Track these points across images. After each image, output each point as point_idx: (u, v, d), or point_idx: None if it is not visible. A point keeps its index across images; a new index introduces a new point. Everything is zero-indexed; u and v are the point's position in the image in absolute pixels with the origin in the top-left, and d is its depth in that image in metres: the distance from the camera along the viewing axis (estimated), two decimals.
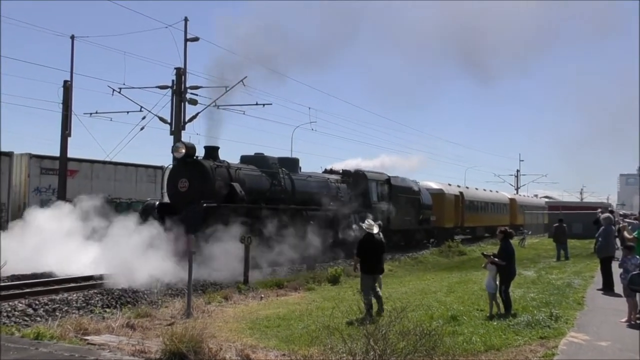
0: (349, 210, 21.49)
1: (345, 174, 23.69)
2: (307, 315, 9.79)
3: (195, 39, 25.13)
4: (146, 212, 15.12)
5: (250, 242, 14.21)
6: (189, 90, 24.81)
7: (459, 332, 8.29)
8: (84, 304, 9.99)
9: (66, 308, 9.65)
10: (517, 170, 74.86)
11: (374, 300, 9.69)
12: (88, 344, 7.72)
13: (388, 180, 25.59)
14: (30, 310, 9.25)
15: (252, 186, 16.99)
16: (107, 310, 9.97)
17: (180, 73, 24.72)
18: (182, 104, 24.69)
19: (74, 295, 10.23)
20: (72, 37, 24.91)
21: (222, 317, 9.87)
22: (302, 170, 20.82)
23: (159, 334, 8.24)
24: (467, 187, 39.69)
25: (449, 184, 36.49)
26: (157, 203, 15.87)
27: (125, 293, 11.09)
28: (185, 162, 15.71)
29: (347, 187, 22.66)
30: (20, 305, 9.31)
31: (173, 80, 24.63)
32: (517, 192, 66.47)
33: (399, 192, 26.29)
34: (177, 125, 24.35)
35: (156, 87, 24.98)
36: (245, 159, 18.45)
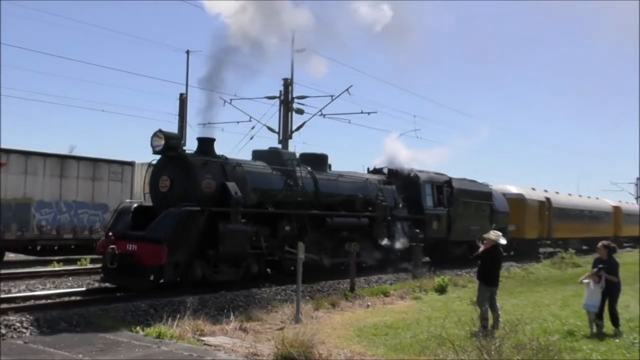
0: (394, 216, 18.32)
1: (393, 174, 20.01)
2: (415, 324, 9.70)
3: (302, 50, 25.67)
4: (120, 216, 12.70)
5: (357, 249, 14.24)
6: (295, 100, 25.43)
7: (577, 348, 7.91)
8: (199, 307, 10.44)
9: (184, 309, 10.13)
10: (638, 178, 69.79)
11: (489, 313, 9.41)
12: (204, 344, 8.11)
13: (449, 182, 21.42)
14: (152, 311, 9.83)
15: (256, 186, 13.85)
16: (221, 313, 10.37)
17: (288, 83, 25.39)
18: (290, 113, 25.33)
19: (191, 298, 10.74)
20: (187, 52, 26.31)
21: (330, 324, 9.99)
22: (332, 169, 17.59)
23: (270, 337, 8.51)
24: (557, 192, 34.52)
25: (533, 188, 31.58)
26: (135, 206, 13.02)
27: (236, 297, 11.50)
28: (170, 157, 12.82)
29: (396, 189, 19.20)
30: (143, 305, 9.91)
31: (281, 91, 25.35)
32: (638, 201, 61.97)
33: (463, 196, 22.01)
34: (285, 135, 25.01)
35: (265, 97, 25.78)
36: (256, 155, 15.59)
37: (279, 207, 14.31)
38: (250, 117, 25.41)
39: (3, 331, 7.89)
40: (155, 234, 11.34)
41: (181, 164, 12.72)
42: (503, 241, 9.72)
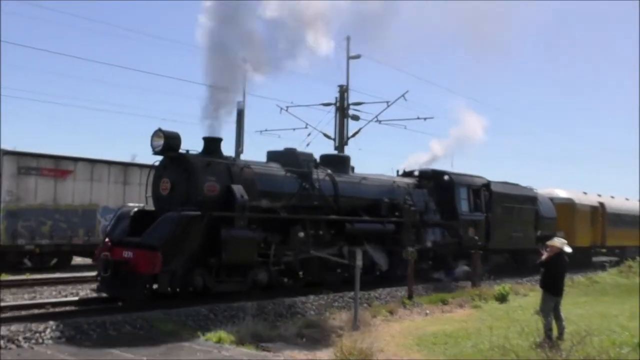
0: (424, 222, 17.06)
1: (424, 176, 18.68)
2: (476, 334, 9.50)
3: (357, 57, 25.74)
4: (119, 221, 11.88)
5: (415, 256, 14.07)
6: (351, 107, 25.46)
7: None
8: (258, 312, 10.56)
9: (242, 315, 10.26)
10: None
11: (554, 324, 9.12)
12: (263, 350, 8.18)
13: (487, 186, 19.89)
14: (211, 316, 9.99)
15: (266, 189, 12.85)
16: (279, 319, 10.44)
17: (343, 90, 25.46)
18: (345, 120, 25.37)
19: (249, 304, 10.86)
20: (244, 60, 26.66)
21: (389, 332, 9.91)
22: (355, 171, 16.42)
23: (329, 345, 8.51)
24: (612, 197, 31.85)
25: (584, 192, 29.35)
26: (135, 210, 12.09)
27: (294, 303, 11.55)
28: (171, 158, 12.03)
29: (428, 192, 17.95)
30: (203, 310, 10.09)
31: (336, 97, 25.43)
32: None
33: (503, 200, 20.49)
34: (341, 141, 25.06)
35: (320, 104, 25.91)
36: (271, 156, 14.52)
37: (293, 212, 13.32)
38: (307, 124, 25.58)
39: (72, 333, 8.17)
40: (149, 240, 10.61)
41: (182, 166, 11.87)
42: (568, 249, 9.41)
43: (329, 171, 14.76)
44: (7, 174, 17.76)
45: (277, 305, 11.21)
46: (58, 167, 18.80)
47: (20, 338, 7.70)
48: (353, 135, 25.55)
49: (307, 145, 26.02)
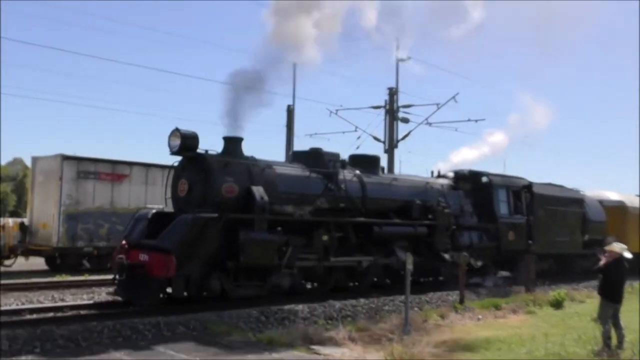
0: (459, 225, 16.29)
1: (460, 177, 17.90)
2: (530, 340, 9.28)
3: (407, 59, 25.58)
4: (137, 223, 11.58)
5: (468, 261, 13.84)
6: (401, 109, 25.33)
7: None
8: (308, 315, 10.61)
9: (293, 318, 10.34)
10: None
11: (613, 332, 8.82)
12: (314, 353, 8.21)
13: (528, 187, 18.98)
14: (262, 318, 10.10)
15: (289, 190, 12.43)
16: (329, 322, 10.45)
17: (393, 92, 25.37)
18: (395, 122, 25.25)
19: (300, 307, 10.92)
20: (294, 65, 26.90)
21: (440, 336, 9.77)
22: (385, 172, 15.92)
23: (379, 348, 8.47)
24: None
25: (638, 195, 27.55)
26: (152, 213, 11.76)
27: (345, 306, 11.55)
28: (190, 158, 11.75)
29: (464, 194, 17.27)
30: (255, 312, 10.21)
31: (386, 100, 25.36)
32: None
33: (546, 203, 19.53)
34: (390, 144, 24.96)
35: (370, 107, 25.89)
36: (296, 156, 14.12)
37: (317, 214, 12.85)
38: (356, 127, 25.57)
39: (129, 333, 8.39)
40: (164, 243, 10.39)
41: (199, 166, 11.55)
42: (628, 254, 9.08)
43: (357, 172, 14.25)
44: (67, 178, 18.43)
45: (328, 308, 11.23)
46: (114, 171, 19.40)
47: (79, 337, 7.95)
48: (403, 138, 25.46)
49: (357, 148, 26.02)
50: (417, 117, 25.43)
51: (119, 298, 11.08)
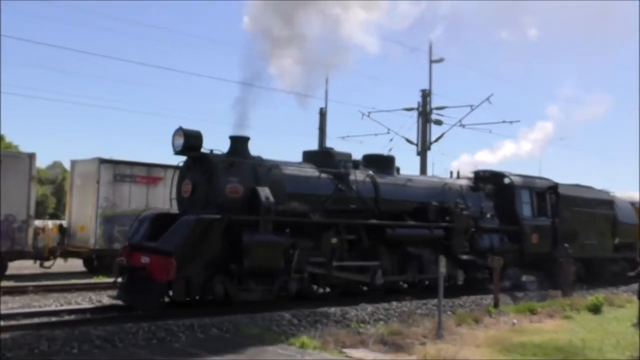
0: (479, 227, 15.75)
1: (480, 178, 17.36)
2: (567, 346, 9.11)
3: (440, 60, 25.44)
4: (141, 225, 11.38)
5: (501, 264, 13.65)
6: (434, 111, 25.17)
7: None
8: (340, 318, 10.61)
9: (325, 320, 10.35)
10: None
11: None
12: (346, 356, 8.19)
13: (554, 188, 18.31)
14: (295, 321, 10.12)
15: (296, 191, 12.12)
16: (362, 325, 10.43)
17: (426, 94, 25.22)
18: (428, 124, 25.10)
19: (332, 309, 10.93)
20: (326, 67, 26.93)
21: (474, 341, 9.68)
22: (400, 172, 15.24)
23: (412, 352, 8.42)
24: None
25: None
26: (156, 214, 11.68)
27: (377, 310, 11.51)
28: (194, 158, 11.55)
29: (484, 195, 16.77)
30: (287, 315, 10.24)
31: (419, 102, 25.23)
32: None
33: (573, 204, 18.76)
34: (423, 146, 24.81)
35: (402, 109, 25.79)
36: (307, 156, 13.66)
37: (327, 216, 12.51)
38: (389, 130, 25.50)
39: (163, 334, 8.51)
40: (164, 245, 10.16)
41: (203, 166, 11.32)
42: None
43: (370, 172, 13.90)
44: (104, 181, 18.79)
45: (360, 311, 11.21)
46: (150, 174, 19.71)
47: (115, 338, 8.10)
48: (436, 140, 25.29)
49: (390, 150, 25.93)
50: (450, 119, 25.29)
51: (120, 302, 10.81)
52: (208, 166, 11.25)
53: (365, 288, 13.61)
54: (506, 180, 17.35)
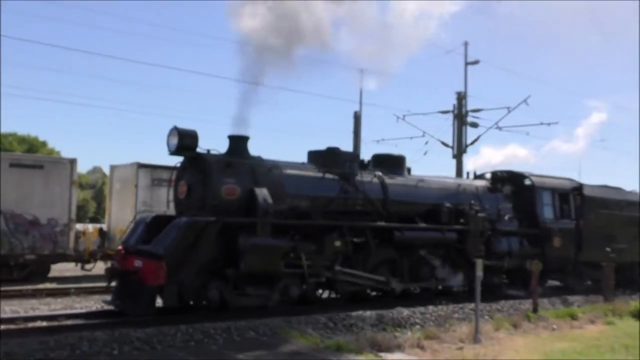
0: (496, 229, 15.04)
1: (498, 178, 16.69)
2: (610, 352, 8.90)
3: (476, 62, 25.19)
4: (137, 227, 11.03)
5: (540, 267, 13.40)
6: (470, 114, 24.92)
7: None
8: (376, 322, 10.57)
9: (361, 324, 10.32)
10: None
11: None
12: None
13: (578, 189, 17.47)
14: (330, 324, 10.13)
15: (298, 192, 11.68)
16: (398, 329, 10.38)
17: (461, 97, 25.00)
18: (464, 127, 24.87)
19: (368, 313, 10.90)
20: (361, 71, 26.94)
21: (512, 346, 9.52)
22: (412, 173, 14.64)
23: (449, 357, 8.34)
24: None
25: None
26: (152, 216, 11.29)
27: (413, 314, 11.43)
28: (190, 158, 11.16)
29: (503, 197, 16.14)
30: (322, 318, 10.26)
31: (454, 105, 25.02)
32: None
33: (600, 206, 17.84)
34: (459, 149, 24.58)
35: (438, 112, 25.63)
36: (311, 156, 13.04)
37: (331, 218, 12.08)
38: (424, 132, 25.33)
39: (200, 337, 8.61)
40: (156, 248, 9.85)
41: (199, 167, 10.91)
42: None
43: (379, 173, 13.40)
44: (142, 185, 19.11)
45: (396, 315, 11.15)
46: None
47: (154, 340, 8.22)
48: (472, 143, 25.03)
49: (425, 153, 25.78)
50: (486, 122, 25.00)
51: (112, 307, 10.58)
52: (203, 167, 10.84)
53: (374, 293, 13.24)
54: (526, 181, 16.68)
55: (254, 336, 9.08)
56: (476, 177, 17.02)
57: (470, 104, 25.51)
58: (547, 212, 16.51)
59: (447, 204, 14.09)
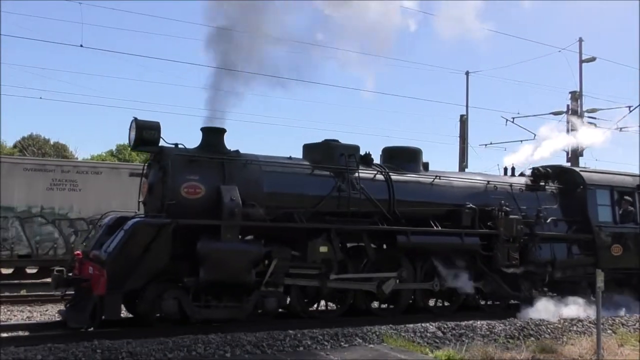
0: (534, 234, 12.80)
1: (541, 175, 14.15)
2: None
3: (592, 59, 23.90)
4: (96, 232, 10.15)
5: None
6: (586, 114, 23.67)
7: None
8: (487, 332, 10.23)
9: (471, 334, 10.03)
10: None
11: None
12: None
13: None
14: (439, 333, 9.92)
15: (277, 190, 10.30)
16: (510, 340, 9.98)
17: (576, 97, 23.80)
18: None
19: (479, 323, 10.57)
20: (467, 73, 26.40)
21: None
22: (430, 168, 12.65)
23: None
24: None
25: None
26: (114, 218, 9.93)
27: (527, 325, 10.97)
28: (155, 154, 10.04)
29: (546, 196, 13.83)
30: (431, 327, 10.07)
31: (568, 105, 23.86)
32: None
33: None
34: (574, 152, 23.39)
35: (550, 113, 24.56)
36: (306, 150, 11.52)
37: (321, 220, 10.63)
38: (535, 135, 24.29)
39: (309, 342, 8.72)
40: (103, 254, 8.89)
41: (160, 163, 9.73)
42: None
43: (385, 169, 11.81)
44: None
45: (509, 325, 10.74)
46: None
47: (264, 344, 8.41)
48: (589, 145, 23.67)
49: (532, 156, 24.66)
50: (605, 123, 23.61)
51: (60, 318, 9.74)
52: (163, 162, 9.62)
53: (375, 305, 11.89)
54: (575, 177, 14.26)
55: (361, 343, 9.06)
56: (513, 173, 14.60)
57: (587, 104, 24.27)
58: (603, 215, 14.02)
59: (469, 205, 12.19)
